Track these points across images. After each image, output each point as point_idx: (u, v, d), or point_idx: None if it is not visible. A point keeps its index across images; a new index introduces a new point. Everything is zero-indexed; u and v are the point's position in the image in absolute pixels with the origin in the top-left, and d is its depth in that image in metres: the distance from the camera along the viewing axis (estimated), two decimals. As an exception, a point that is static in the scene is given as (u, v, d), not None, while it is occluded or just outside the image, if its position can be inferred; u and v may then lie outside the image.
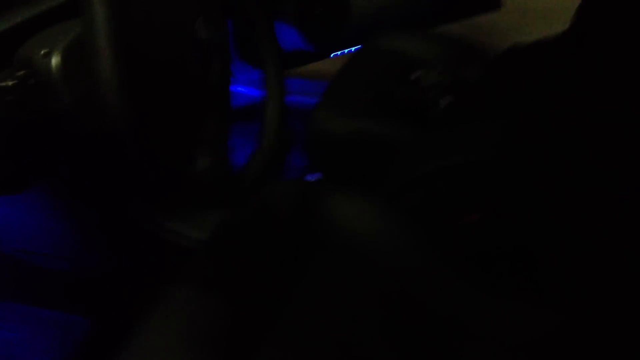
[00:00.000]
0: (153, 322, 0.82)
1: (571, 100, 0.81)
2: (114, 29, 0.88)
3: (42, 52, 0.91)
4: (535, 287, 0.87)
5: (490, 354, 0.86)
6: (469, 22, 1.72)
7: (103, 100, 0.89)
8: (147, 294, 0.82)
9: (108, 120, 0.89)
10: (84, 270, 1.35)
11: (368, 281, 0.94)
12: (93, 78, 0.88)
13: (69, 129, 0.94)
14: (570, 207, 0.79)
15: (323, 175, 1.28)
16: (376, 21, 1.64)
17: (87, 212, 1.31)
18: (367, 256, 0.96)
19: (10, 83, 0.86)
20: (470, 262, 0.94)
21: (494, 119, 0.99)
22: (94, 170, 1.19)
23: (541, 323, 0.84)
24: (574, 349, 0.78)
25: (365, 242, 0.97)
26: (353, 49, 1.74)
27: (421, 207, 0.96)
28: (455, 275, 0.93)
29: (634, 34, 0.72)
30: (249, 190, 1.19)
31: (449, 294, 0.91)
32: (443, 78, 1.22)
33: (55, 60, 0.90)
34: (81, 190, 1.27)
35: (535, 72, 0.98)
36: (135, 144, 0.91)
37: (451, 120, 1.11)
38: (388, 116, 1.21)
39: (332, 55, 1.80)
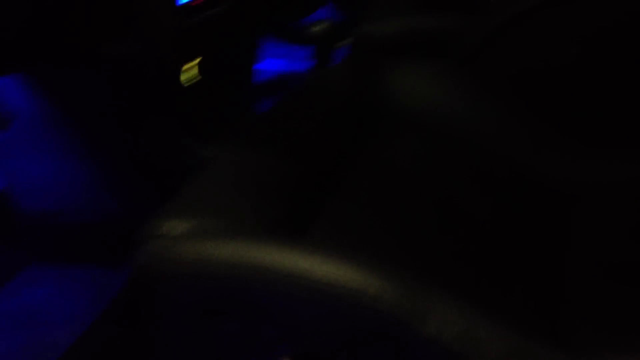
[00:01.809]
0: (208, 174, 0.72)
1: None
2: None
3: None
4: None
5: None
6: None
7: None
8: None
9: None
10: (115, 223, 1.25)
11: (442, 155, 0.84)
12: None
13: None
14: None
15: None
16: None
17: (115, 160, 1.23)
18: (440, 130, 0.86)
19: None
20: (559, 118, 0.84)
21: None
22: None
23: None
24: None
25: (437, 115, 0.87)
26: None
27: (504, 61, 0.87)
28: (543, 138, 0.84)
29: None
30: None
31: (536, 160, 0.82)
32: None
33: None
34: (106, 133, 1.20)
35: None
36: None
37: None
38: (438, 11, 1.13)
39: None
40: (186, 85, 1.09)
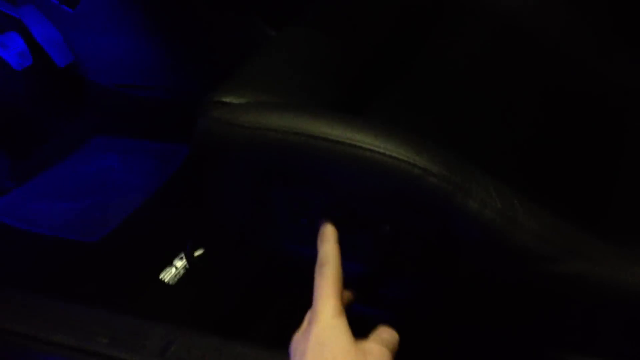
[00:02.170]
0: (269, 54, 0.73)
1: None
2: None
3: None
4: None
5: None
6: None
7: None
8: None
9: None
10: (179, 100, 1.30)
11: (506, 47, 0.82)
12: None
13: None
14: None
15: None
16: None
17: (182, 39, 1.25)
18: (508, 23, 0.84)
19: None
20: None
21: None
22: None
23: None
24: None
25: (506, 7, 0.85)
26: None
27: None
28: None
29: None
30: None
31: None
32: None
33: None
34: (176, 11, 1.22)
35: None
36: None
37: None
38: None
39: None
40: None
